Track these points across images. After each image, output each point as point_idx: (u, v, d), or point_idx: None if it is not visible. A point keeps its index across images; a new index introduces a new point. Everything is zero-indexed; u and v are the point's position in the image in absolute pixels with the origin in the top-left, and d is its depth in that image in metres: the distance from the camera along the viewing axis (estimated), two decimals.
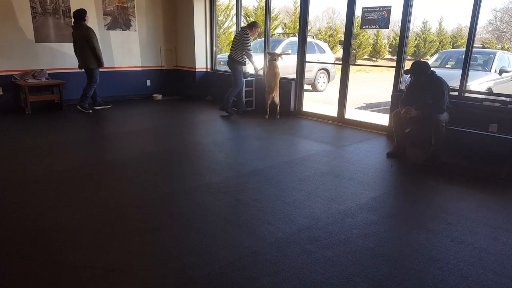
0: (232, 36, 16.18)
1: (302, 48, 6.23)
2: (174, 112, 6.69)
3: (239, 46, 6.06)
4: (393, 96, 5.08)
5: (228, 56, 6.27)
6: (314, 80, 10.41)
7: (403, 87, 5.06)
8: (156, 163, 4.05)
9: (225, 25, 15.88)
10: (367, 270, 2.14)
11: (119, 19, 7.39)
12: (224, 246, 2.37)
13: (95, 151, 4.40)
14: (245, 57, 6.13)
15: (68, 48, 6.86)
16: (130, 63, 7.73)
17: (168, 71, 8.29)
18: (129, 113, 6.58)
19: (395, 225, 2.75)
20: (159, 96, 8.01)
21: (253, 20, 12.40)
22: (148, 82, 8.07)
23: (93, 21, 7.04)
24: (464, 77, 4.48)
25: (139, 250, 2.33)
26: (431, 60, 8.57)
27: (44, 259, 2.19)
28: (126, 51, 7.63)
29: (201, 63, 7.89)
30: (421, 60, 4.92)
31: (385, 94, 8.91)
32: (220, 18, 15.20)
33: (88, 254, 2.25)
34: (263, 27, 6.78)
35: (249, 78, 6.78)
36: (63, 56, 6.87)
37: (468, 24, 4.39)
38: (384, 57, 21.76)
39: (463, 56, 4.58)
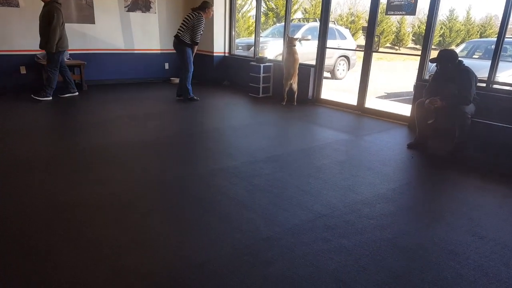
0: (251, 20, 16.01)
1: (323, 34, 6.09)
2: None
3: (189, 29, 5.64)
4: (416, 86, 4.93)
5: (174, 37, 5.82)
6: (334, 67, 10.22)
7: (427, 77, 4.90)
8: (172, 146, 4.07)
9: (244, 9, 15.70)
10: (384, 261, 2.10)
11: (139, 1, 7.37)
12: (239, 230, 2.36)
13: (113, 132, 4.44)
14: (195, 40, 5.72)
15: (89, 29, 6.91)
16: (149, 45, 7.73)
17: None
18: (146, 95, 6.61)
19: (413, 217, 2.69)
20: (176, 80, 7.98)
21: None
22: (166, 66, 8.08)
23: (114, 2, 7.05)
24: (493, 68, 4.30)
25: (156, 230, 2.35)
26: (457, 50, 8.28)
27: (65, 233, 2.23)
28: (146, 33, 7.63)
29: (219, 47, 7.82)
30: (449, 48, 4.73)
31: (407, 83, 8.69)
32: (239, 2, 15.02)
33: (107, 231, 2.29)
34: (283, 12, 6.64)
35: (267, 64, 6.69)
36: (84, 37, 6.92)
37: (500, 14, 4.19)
38: (407, 46, 21.18)
39: (492, 46, 4.39)
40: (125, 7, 7.24)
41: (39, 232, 2.25)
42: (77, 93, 6.18)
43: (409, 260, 2.13)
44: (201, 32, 5.75)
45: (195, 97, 6.16)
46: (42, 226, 2.31)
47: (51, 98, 5.80)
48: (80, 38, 6.87)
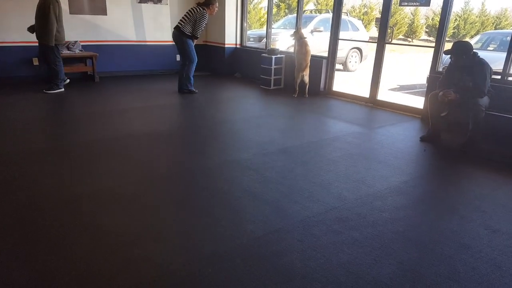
0: (263, 11, 15.88)
1: (335, 25, 6.03)
2: (202, 88, 6.69)
3: (191, 22, 5.61)
4: (430, 78, 4.86)
5: (174, 29, 5.77)
6: (346, 59, 10.12)
7: (441, 69, 4.83)
8: (184, 137, 4.10)
9: (256, 0, 15.57)
10: (396, 253, 2.11)
11: None
12: (251, 221, 2.38)
13: (125, 123, 4.49)
14: (196, 34, 5.71)
15: (101, 20, 6.95)
16: (161, 37, 7.74)
17: (197, 46, 8.24)
18: (158, 87, 6.64)
19: (426, 210, 2.68)
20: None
21: None
22: (178, 57, 8.07)
23: None
24: (508, 60, 4.21)
25: (168, 220, 2.39)
26: (472, 42, 8.12)
27: (79, 224, 2.28)
28: (157, 25, 7.64)
29: (230, 39, 7.80)
30: (463, 40, 4.66)
31: (420, 75, 8.56)
32: None
33: (121, 221, 2.33)
34: (294, 3, 6.58)
35: (278, 55, 6.66)
36: (96, 28, 6.96)
37: None
38: (420, 38, 20.81)
39: (508, 38, 4.30)
40: None
41: (52, 222, 2.30)
42: (63, 90, 5.89)
43: (421, 253, 2.13)
44: (203, 27, 5.74)
45: (195, 90, 6.15)
46: (54, 217, 2.36)
47: (63, 89, 5.87)
48: (92, 29, 6.92)
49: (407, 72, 10.64)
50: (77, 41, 6.67)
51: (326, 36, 6.49)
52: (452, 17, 4.93)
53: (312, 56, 6.13)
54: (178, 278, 1.85)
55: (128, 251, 2.03)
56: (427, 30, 20.83)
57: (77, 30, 6.76)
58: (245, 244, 2.14)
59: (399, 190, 2.92)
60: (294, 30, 6.17)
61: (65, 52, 6.43)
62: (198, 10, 5.62)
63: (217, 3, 5.84)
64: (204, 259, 1.99)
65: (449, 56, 3.91)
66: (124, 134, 4.04)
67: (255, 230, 2.28)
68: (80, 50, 6.70)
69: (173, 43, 6.02)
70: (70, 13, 6.61)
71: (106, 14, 6.98)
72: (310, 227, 2.35)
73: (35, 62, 6.60)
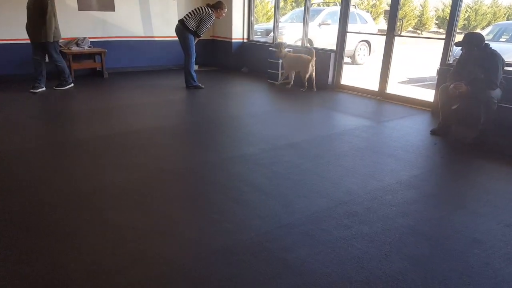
0: (269, 5, 15.77)
1: (344, 18, 5.96)
2: (210, 83, 6.68)
3: (196, 19, 5.63)
4: (440, 70, 4.78)
5: (178, 22, 5.76)
6: (354, 52, 10.01)
7: (452, 61, 4.75)
8: (192, 132, 4.10)
9: None
10: (406, 248, 2.09)
11: None
12: (259, 216, 2.38)
13: (135, 118, 4.51)
14: (199, 33, 5.77)
15: (109, 16, 6.97)
16: (169, 32, 7.70)
17: (204, 41, 8.24)
18: (166, 83, 6.65)
19: (436, 204, 2.65)
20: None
21: None
22: None
23: None
24: None
25: (177, 215, 2.40)
26: (483, 33, 7.96)
27: (89, 218, 2.30)
28: (165, 20, 7.62)
29: (237, 33, 7.76)
30: (475, 31, 4.56)
31: (430, 68, 8.44)
32: None
33: (130, 216, 2.34)
34: None
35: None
36: (105, 24, 6.98)
37: None
38: (430, 30, 20.50)
39: None
40: None
41: (63, 217, 2.32)
42: (43, 89, 5.66)
43: (432, 248, 2.10)
44: (207, 27, 5.79)
45: (201, 85, 6.15)
46: (65, 212, 2.38)
47: (73, 84, 5.91)
48: (100, 25, 6.94)
49: (418, 65, 10.49)
50: (86, 38, 6.69)
51: (334, 29, 6.42)
52: (462, 8, 4.83)
53: (320, 49, 6.08)
54: (186, 273, 1.85)
55: (137, 246, 2.04)
56: (437, 22, 20.51)
57: (86, 26, 6.78)
58: (254, 239, 2.14)
59: (409, 184, 2.89)
60: (276, 43, 6.14)
61: (74, 48, 6.47)
62: (206, 10, 5.67)
63: (225, 9, 5.91)
64: (213, 255, 1.99)
65: (460, 48, 3.84)
66: (132, 130, 4.05)
67: (263, 225, 2.28)
68: (89, 47, 6.73)
69: None
70: (79, 9, 6.63)
71: (114, 10, 6.98)
72: (319, 221, 2.34)
73: (47, 58, 6.63)
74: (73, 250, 2.00)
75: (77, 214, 2.34)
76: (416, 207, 2.55)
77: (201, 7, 5.70)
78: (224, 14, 5.93)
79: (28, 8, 5.26)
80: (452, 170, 3.34)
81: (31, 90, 5.50)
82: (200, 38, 5.97)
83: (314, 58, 5.90)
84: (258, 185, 2.82)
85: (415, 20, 19.89)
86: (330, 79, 6.27)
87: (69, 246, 2.03)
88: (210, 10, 5.68)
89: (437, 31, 19.80)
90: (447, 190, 2.91)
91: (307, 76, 5.98)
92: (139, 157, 3.30)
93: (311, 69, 5.95)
